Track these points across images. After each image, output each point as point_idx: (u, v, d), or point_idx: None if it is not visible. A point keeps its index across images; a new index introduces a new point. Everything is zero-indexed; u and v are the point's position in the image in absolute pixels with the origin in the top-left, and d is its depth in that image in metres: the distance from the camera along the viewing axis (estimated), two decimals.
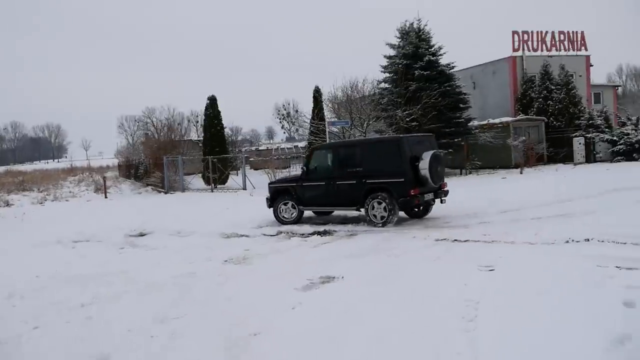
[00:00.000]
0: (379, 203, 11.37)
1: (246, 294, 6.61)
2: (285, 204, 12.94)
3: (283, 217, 12.91)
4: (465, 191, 16.39)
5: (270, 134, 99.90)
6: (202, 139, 32.92)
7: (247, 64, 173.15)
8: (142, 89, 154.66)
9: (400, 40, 26.92)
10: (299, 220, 12.78)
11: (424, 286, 6.25)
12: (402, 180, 11.16)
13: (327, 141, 21.32)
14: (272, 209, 13.20)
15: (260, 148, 56.91)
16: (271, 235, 11.36)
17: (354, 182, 11.73)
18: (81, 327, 5.75)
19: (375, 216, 11.43)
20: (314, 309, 5.71)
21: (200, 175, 29.01)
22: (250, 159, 43.47)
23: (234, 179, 26.58)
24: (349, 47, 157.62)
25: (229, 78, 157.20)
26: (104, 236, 12.59)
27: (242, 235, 11.54)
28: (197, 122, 47.20)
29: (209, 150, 28.08)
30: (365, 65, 37.52)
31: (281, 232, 11.56)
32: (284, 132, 78.10)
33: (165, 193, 25.86)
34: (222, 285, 7.13)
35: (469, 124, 26.22)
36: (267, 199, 13.45)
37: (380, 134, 24.88)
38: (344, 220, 12.53)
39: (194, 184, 27.26)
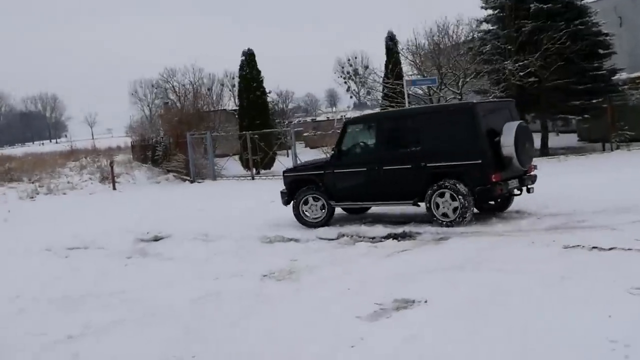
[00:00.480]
0: (447, 195, 11.08)
1: (287, 325, 6.40)
2: (309, 200, 12.76)
3: (306, 217, 12.78)
4: (608, 174, 15.54)
5: (332, 100, 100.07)
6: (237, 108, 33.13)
7: (297, 6, 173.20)
8: (159, 43, 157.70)
9: None
10: (328, 221, 12.61)
11: (543, 320, 5.78)
12: (480, 162, 10.91)
13: (407, 106, 20.81)
14: (290, 206, 13.11)
15: (318, 119, 56.96)
16: (329, 240, 11.17)
17: (410, 166, 11.55)
18: None
19: (444, 214, 11.15)
20: (382, 350, 5.42)
21: (237, 157, 29.22)
22: (305, 134, 43.57)
23: (282, 162, 26.57)
24: None
25: (274, 26, 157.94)
26: (107, 242, 12.81)
27: (289, 240, 11.48)
28: (233, 86, 47.56)
29: (248, 124, 28.29)
30: (458, 1, 36.27)
31: (343, 235, 11.35)
32: (351, 97, 78.09)
33: (191, 182, 26.22)
34: (254, 313, 6.98)
35: (613, 78, 24.94)
36: (282, 192, 13.43)
37: (482, 97, 24.07)
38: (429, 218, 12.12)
39: (230, 169, 27.53)
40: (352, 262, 9.10)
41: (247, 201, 17.54)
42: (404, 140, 12.00)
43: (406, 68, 27.44)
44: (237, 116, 33.29)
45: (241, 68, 29.67)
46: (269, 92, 33.20)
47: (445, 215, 11.09)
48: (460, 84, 24.39)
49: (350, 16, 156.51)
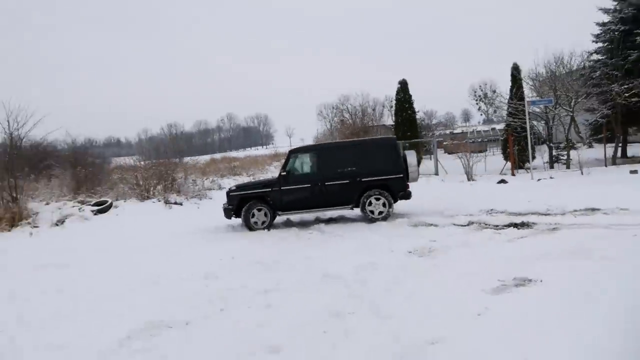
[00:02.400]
0: (380, 199, 11.99)
1: (426, 292, 6.06)
2: (255, 212, 12.25)
3: (255, 223, 12.22)
4: None
5: (466, 117, 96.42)
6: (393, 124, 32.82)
7: (442, 45, 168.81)
8: (338, 78, 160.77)
9: (616, 3, 23.42)
10: (270, 225, 12.29)
11: None
12: (402, 175, 12.05)
13: (527, 122, 19.42)
14: (234, 217, 12.53)
15: (455, 131, 55.04)
16: (461, 226, 10.55)
17: (348, 181, 12.10)
18: (260, 314, 5.79)
19: (379, 212, 11.98)
20: (503, 318, 4.94)
21: None
22: (444, 143, 42.22)
23: (426, 164, 25.91)
24: (551, 18, 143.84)
25: (422, 62, 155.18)
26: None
27: (430, 225, 10.94)
28: (391, 107, 47.22)
29: (401, 135, 27.83)
30: (571, 37, 33.63)
31: (472, 223, 10.69)
32: (481, 114, 74.80)
33: None
34: (401, 281, 6.68)
35: None
36: (226, 208, 12.50)
37: (591, 113, 22.00)
38: (542, 211, 11.13)
39: None
40: (479, 245, 8.49)
41: None
42: (342, 163, 12.16)
43: (527, 91, 25.71)
44: (393, 129, 33.02)
45: (397, 93, 29.25)
46: (418, 111, 32.45)
47: (379, 213, 11.97)
48: (572, 103, 22.42)
49: (483, 50, 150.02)
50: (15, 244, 13.87)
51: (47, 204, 18.77)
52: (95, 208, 17.75)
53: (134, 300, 6.70)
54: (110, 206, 18.00)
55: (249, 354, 4.61)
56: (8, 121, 17.85)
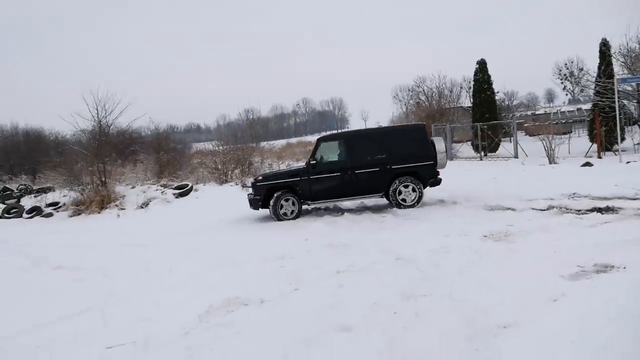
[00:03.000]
0: (409, 187, 12.05)
1: (501, 276, 5.96)
2: (283, 202, 12.00)
3: (284, 214, 11.99)
4: None
5: (550, 97, 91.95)
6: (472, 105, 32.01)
7: (524, 23, 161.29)
8: (414, 60, 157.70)
9: None
10: (298, 216, 12.04)
11: None
12: (432, 162, 12.14)
13: (616, 101, 18.31)
14: (260, 208, 12.29)
15: (537, 112, 52.70)
16: (540, 210, 10.20)
17: (378, 169, 12.03)
18: (333, 294, 5.93)
19: (404, 199, 12.01)
20: (581, 305, 4.80)
21: (469, 143, 28.24)
22: (525, 125, 40.59)
23: (505, 147, 25.12)
24: None
25: (503, 41, 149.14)
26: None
27: (507, 208, 10.65)
28: (469, 88, 45.82)
29: (479, 117, 27.10)
30: None
31: (552, 207, 10.30)
32: (566, 94, 71.09)
33: None
34: (475, 265, 6.60)
35: None
36: (253, 199, 12.24)
37: None
38: (629, 195, 10.53)
39: (463, 152, 26.62)
40: (558, 230, 8.17)
41: (476, 176, 16.85)
42: (371, 151, 12.09)
43: (617, 69, 24.10)
44: (471, 111, 32.19)
45: (475, 74, 28.38)
46: (497, 92, 31.31)
47: (411, 200, 11.99)
48: None
49: (569, 26, 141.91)
50: (104, 224, 14.88)
51: (133, 187, 19.96)
52: (177, 191, 18.65)
53: (213, 279, 7.06)
54: (190, 189, 18.84)
55: (321, 332, 4.76)
56: (97, 109, 19.06)
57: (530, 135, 32.90)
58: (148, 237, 11.46)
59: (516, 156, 22.43)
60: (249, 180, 19.49)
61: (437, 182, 12.31)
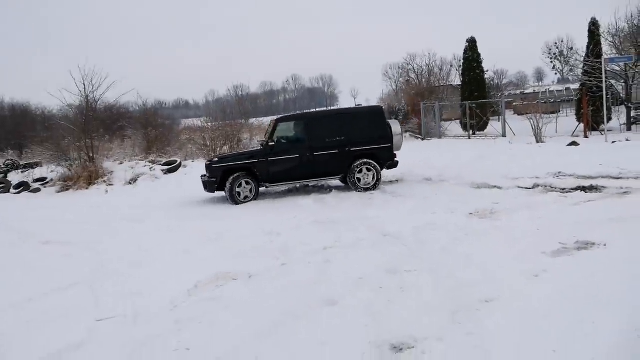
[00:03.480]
0: (367, 169, 12.08)
1: (485, 253, 6.09)
2: (242, 184, 11.77)
3: (239, 197, 11.71)
4: None
5: (540, 76, 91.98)
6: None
7: (514, 1, 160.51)
8: (404, 37, 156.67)
9: None
10: (255, 198, 11.85)
11: None
12: (389, 145, 12.28)
13: (604, 81, 18.42)
14: (215, 191, 12.07)
15: (525, 91, 52.85)
16: (526, 188, 10.34)
17: (337, 151, 12.02)
18: (319, 269, 6.03)
19: (366, 182, 12.06)
20: (561, 281, 4.93)
21: (458, 121, 28.33)
22: (514, 104, 40.75)
23: (494, 126, 25.25)
24: None
25: (493, 19, 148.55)
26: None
27: (493, 187, 10.81)
28: (459, 66, 45.63)
29: (468, 95, 27.13)
30: None
31: (538, 186, 10.45)
32: (555, 74, 71.15)
33: (422, 139, 25.95)
34: (460, 241, 6.72)
35: None
36: (208, 181, 11.99)
37: None
38: (614, 174, 10.70)
39: (452, 130, 26.74)
40: (543, 208, 8.32)
41: (464, 155, 16.93)
42: (330, 132, 12.06)
43: (606, 48, 24.14)
44: (460, 90, 32.22)
45: (465, 52, 28.29)
46: (487, 71, 31.33)
47: (367, 183, 12.02)
48: None
49: (559, 3, 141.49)
50: (92, 200, 14.85)
51: (121, 163, 19.87)
52: (165, 167, 18.60)
53: (202, 254, 7.13)
54: (179, 166, 18.80)
55: (308, 307, 4.85)
56: (84, 84, 18.86)
57: (518, 115, 33.01)
58: (136, 213, 11.48)
59: (504, 135, 22.57)
60: None
61: (394, 164, 12.44)
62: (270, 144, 11.88)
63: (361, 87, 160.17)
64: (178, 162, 18.88)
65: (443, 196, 10.22)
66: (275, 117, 13.12)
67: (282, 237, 7.77)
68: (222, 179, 11.77)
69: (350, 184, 12.11)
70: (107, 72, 28.04)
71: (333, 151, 12.02)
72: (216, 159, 12.21)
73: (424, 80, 38.51)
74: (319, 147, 11.99)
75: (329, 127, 12.19)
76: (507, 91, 50.19)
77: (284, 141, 12.16)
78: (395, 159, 12.45)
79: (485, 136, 23.90)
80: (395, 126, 12.57)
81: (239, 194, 11.67)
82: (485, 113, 26.08)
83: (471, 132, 24.94)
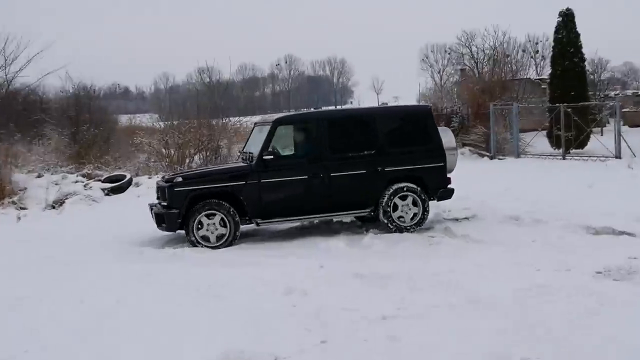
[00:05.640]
0: (408, 199, 12.10)
1: (629, 334, 5.94)
2: (208, 218, 11.41)
3: (204, 240, 11.39)
4: None
5: None
6: (545, 77, 32.12)
7: None
8: (455, 7, 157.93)
9: None
10: (232, 243, 11.48)
11: None
12: (442, 164, 12.33)
13: None
14: (177, 229, 11.68)
15: None
16: None
17: (365, 171, 12.02)
18: (382, 351, 5.86)
19: (401, 219, 12.04)
20: None
21: (544, 132, 28.25)
22: (624, 110, 40.88)
23: (599, 140, 25.15)
24: None
25: None
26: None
27: (621, 232, 10.77)
28: (537, 52, 45.95)
29: (559, 95, 27.00)
30: None
31: None
32: None
33: (491, 158, 25.96)
34: (595, 315, 6.55)
35: None
36: (163, 214, 11.59)
37: None
38: None
39: (535, 146, 26.69)
40: None
41: (559, 183, 16.92)
42: (355, 143, 12.23)
43: None
44: (543, 86, 32.34)
45: (557, 31, 28.26)
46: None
47: (411, 219, 12.08)
48: None
49: None
50: None
51: (40, 176, 19.77)
52: (108, 185, 18.52)
53: (193, 318, 6.93)
54: (129, 183, 18.73)
55: None
56: None
57: (630, 126, 33.17)
58: (74, 251, 11.41)
59: (618, 155, 22.49)
60: None
61: (448, 194, 12.51)
62: (266, 157, 11.60)
63: (387, 78, 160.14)
64: (127, 178, 18.82)
65: (546, 245, 10.18)
66: (261, 118, 13.15)
67: (311, 297, 7.61)
68: (188, 209, 11.38)
69: (383, 221, 12.05)
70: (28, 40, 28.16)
71: (359, 171, 12.02)
72: (179, 178, 11.86)
73: (485, 70, 38.78)
74: (339, 164, 12.00)
75: (354, 135, 12.29)
76: (612, 91, 50.33)
77: (285, 154, 12.20)
78: (449, 186, 12.49)
79: (587, 156, 23.81)
80: (447, 136, 12.63)
81: (204, 237, 11.38)
82: (586, 122, 26.01)
83: (564, 149, 24.83)
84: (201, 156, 20.71)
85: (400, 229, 11.81)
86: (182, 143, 20.47)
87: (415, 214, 11.99)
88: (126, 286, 8.61)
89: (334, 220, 12.98)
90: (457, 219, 12.86)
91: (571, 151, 25.28)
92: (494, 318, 6.61)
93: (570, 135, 25.30)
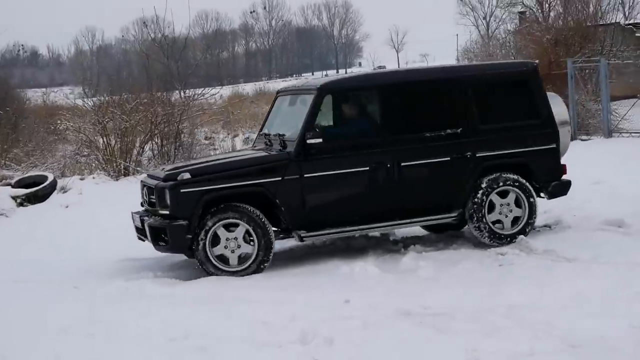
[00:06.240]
0: (510, 196, 12.16)
1: None
2: (231, 231, 11.27)
3: (223, 264, 11.22)
4: None
5: None
6: None
7: None
8: None
9: None
10: (261, 268, 11.35)
11: None
12: (554, 146, 12.40)
13: None
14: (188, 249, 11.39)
15: None
16: None
17: (448, 158, 11.93)
18: None
19: (498, 225, 12.09)
20: None
21: None
22: None
23: None
24: None
25: None
26: None
27: None
28: None
29: None
30: None
31: None
32: None
33: (571, 138, 25.88)
34: None
35: None
36: (157, 227, 11.35)
37: None
38: None
39: (634, 121, 26.67)
40: None
41: None
42: (430, 118, 12.27)
43: None
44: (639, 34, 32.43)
45: None
46: None
47: (508, 228, 12.12)
48: None
49: None
50: None
51: None
52: (22, 192, 18.45)
53: None
54: (52, 188, 18.68)
55: None
56: None
57: None
58: None
59: None
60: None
61: (564, 188, 12.58)
62: (311, 140, 11.38)
63: (411, 28, 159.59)
64: (49, 181, 18.78)
65: None
66: (291, 84, 13.03)
67: (341, 349, 7.55)
68: (201, 218, 11.15)
69: (473, 230, 12.10)
70: None
71: (440, 159, 12.03)
72: (185, 174, 11.38)
73: (553, 13, 38.76)
74: (413, 149, 11.94)
75: (432, 107, 12.31)
76: None
77: (336, 135, 12.03)
78: (565, 177, 12.50)
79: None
80: (558, 106, 12.67)
81: (222, 258, 11.20)
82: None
83: None
84: (154, 145, 20.59)
85: (498, 238, 11.89)
86: (127, 128, 20.37)
87: (517, 218, 12.05)
88: (62, 343, 8.57)
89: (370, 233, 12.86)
90: (534, 228, 12.83)
91: None
92: None
93: None
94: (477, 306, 8.72)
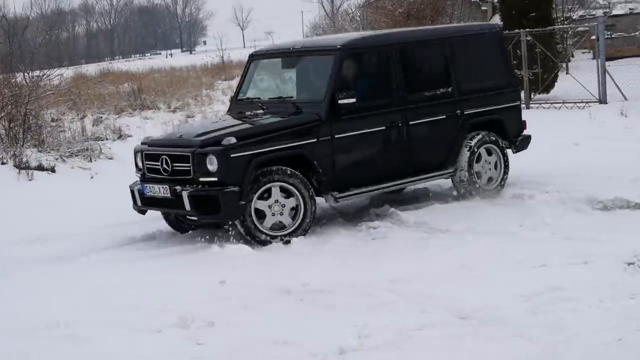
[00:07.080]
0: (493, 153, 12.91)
1: None
2: (270, 196, 11.07)
3: (265, 228, 10.96)
4: None
5: None
6: None
7: None
8: None
9: None
10: (306, 231, 11.26)
11: None
12: (517, 104, 13.66)
13: None
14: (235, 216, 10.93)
15: (617, 13, 54.95)
16: None
17: (443, 116, 12.51)
18: None
19: (477, 176, 12.68)
20: None
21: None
22: (592, 37, 42.10)
23: (569, 82, 25.67)
24: None
25: None
26: None
27: (636, 205, 11.21)
28: None
29: (516, 18, 27.46)
30: None
31: None
32: None
33: None
34: None
35: None
36: (203, 195, 10.91)
37: None
38: None
39: None
40: None
41: (536, 140, 17.14)
42: (428, 77, 12.96)
43: None
44: (484, 7, 33.12)
45: None
46: None
47: (491, 181, 12.91)
48: None
49: None
50: None
51: None
52: None
53: None
54: None
55: None
56: None
57: (610, 58, 34.18)
58: None
59: (603, 100, 23.09)
60: (33, 155, 18.74)
61: (527, 141, 13.48)
62: (343, 100, 11.27)
63: (256, 6, 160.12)
64: None
65: (544, 229, 10.39)
66: (289, 42, 14.18)
67: (223, 330, 7.42)
68: (253, 183, 10.85)
69: (460, 186, 12.72)
70: None
71: (438, 117, 12.44)
72: (230, 138, 10.86)
73: None
74: (417, 108, 12.27)
75: (429, 67, 12.94)
76: (576, 11, 51.58)
77: (363, 97, 11.79)
78: (525, 131, 13.48)
79: (559, 102, 24.25)
80: None
81: (271, 224, 10.96)
82: (554, 55, 26.65)
83: (528, 94, 25.17)
84: (1, 128, 20.00)
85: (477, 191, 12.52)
86: None
87: (499, 171, 12.79)
88: None
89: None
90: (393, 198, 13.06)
91: (535, 96, 25.78)
92: (504, 339, 6.51)
93: (531, 75, 25.71)
94: (358, 281, 8.68)
